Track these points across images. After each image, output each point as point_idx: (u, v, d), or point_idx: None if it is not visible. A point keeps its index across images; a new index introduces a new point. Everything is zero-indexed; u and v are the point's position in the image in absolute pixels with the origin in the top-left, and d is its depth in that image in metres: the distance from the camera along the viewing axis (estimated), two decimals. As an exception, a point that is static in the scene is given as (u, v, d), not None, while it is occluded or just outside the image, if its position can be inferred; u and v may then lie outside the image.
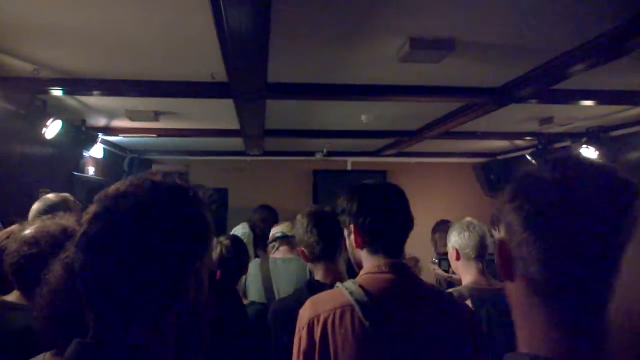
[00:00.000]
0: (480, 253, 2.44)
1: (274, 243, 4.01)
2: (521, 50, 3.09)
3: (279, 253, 3.94)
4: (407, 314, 1.48)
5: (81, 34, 2.80)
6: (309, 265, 2.36)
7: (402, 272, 1.58)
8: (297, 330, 1.57)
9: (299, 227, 2.23)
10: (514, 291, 0.78)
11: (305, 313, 1.57)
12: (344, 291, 1.52)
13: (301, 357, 1.52)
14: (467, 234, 2.46)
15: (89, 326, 0.85)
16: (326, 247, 2.15)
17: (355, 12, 2.52)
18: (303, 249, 2.22)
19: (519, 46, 3.02)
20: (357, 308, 1.46)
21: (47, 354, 0.87)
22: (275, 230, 4.03)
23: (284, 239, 3.91)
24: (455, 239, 2.50)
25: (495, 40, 2.93)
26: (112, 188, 0.92)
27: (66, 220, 1.88)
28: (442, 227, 4.52)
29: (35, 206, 3.04)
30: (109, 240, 0.83)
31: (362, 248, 1.66)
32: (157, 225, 0.84)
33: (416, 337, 1.46)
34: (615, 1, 2.36)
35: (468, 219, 2.57)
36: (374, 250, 1.63)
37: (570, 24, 2.64)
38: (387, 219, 1.61)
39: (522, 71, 3.54)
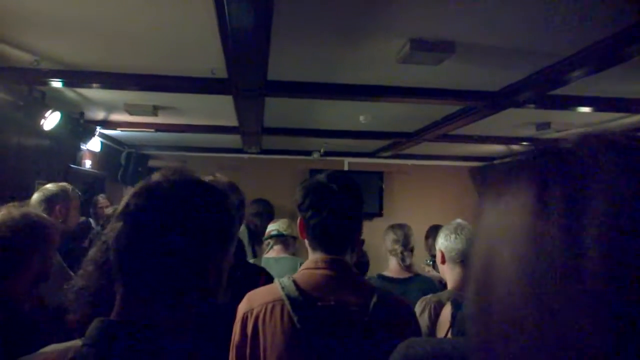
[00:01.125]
0: (466, 257, 2.33)
1: (269, 241, 4.00)
2: (520, 55, 3.11)
3: (272, 252, 3.93)
4: (337, 310, 1.46)
5: (82, 25, 2.80)
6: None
7: (339, 269, 1.55)
8: (234, 324, 1.56)
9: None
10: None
11: (241, 307, 1.56)
12: (278, 286, 1.52)
13: (234, 351, 1.51)
14: (453, 236, 2.39)
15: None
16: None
17: (357, 12, 2.53)
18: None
19: (519, 51, 3.03)
20: (286, 303, 1.46)
21: (75, 341, 0.89)
22: (272, 228, 4.02)
23: (279, 237, 3.89)
24: (442, 242, 2.43)
25: (495, 44, 2.95)
26: (159, 173, 1.00)
27: (33, 208, 1.89)
28: (434, 233, 4.55)
29: (35, 196, 3.06)
30: (146, 215, 0.91)
31: (306, 241, 1.64)
32: (189, 214, 0.93)
33: (344, 334, 1.43)
34: (615, 8, 2.38)
35: (458, 220, 2.50)
36: (314, 246, 1.61)
37: (570, 30, 2.65)
38: (327, 214, 1.55)
39: (520, 76, 3.56)
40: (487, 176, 0.65)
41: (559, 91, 3.69)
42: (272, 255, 3.88)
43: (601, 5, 2.35)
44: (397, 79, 3.73)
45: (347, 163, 8.56)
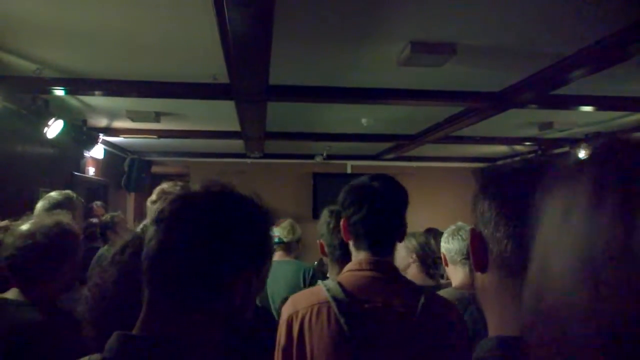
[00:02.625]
0: (467, 256, 2.41)
1: (270, 246, 4.00)
2: (521, 56, 3.11)
3: (275, 256, 3.94)
4: (384, 312, 1.45)
5: (84, 34, 2.82)
6: (324, 259, 2.31)
7: (384, 270, 1.55)
8: (278, 327, 1.56)
9: (323, 223, 2.18)
10: (486, 280, 0.79)
11: (285, 310, 1.56)
12: (323, 288, 1.51)
13: (280, 354, 1.50)
14: (451, 238, 2.47)
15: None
16: (346, 253, 2.11)
17: (357, 16, 2.54)
18: (323, 243, 2.17)
19: (520, 51, 3.03)
20: (333, 305, 1.45)
21: (95, 356, 0.88)
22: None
23: (281, 244, 3.91)
24: (443, 245, 2.52)
25: (495, 46, 2.95)
26: (199, 184, 0.99)
27: (63, 216, 1.90)
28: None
29: (40, 204, 3.06)
30: (179, 223, 0.89)
31: (349, 243, 1.64)
32: (223, 227, 0.90)
33: (391, 336, 1.43)
34: (616, 8, 2.38)
35: (459, 223, 2.55)
36: (357, 247, 1.60)
37: (571, 29, 2.65)
38: (372, 215, 1.55)
39: (522, 76, 3.56)
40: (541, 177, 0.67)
41: (560, 91, 3.69)
42: (274, 259, 3.89)
43: (601, 4, 2.34)
44: (398, 81, 3.74)
45: (350, 166, 8.57)
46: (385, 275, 1.54)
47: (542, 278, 0.54)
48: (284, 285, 3.17)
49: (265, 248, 0.98)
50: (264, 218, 0.99)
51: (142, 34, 2.82)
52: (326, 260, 2.21)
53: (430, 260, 3.23)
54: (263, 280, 1.00)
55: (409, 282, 1.62)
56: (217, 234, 0.89)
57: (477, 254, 0.79)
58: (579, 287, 0.49)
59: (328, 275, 2.20)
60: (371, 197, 1.57)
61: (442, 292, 2.45)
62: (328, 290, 1.49)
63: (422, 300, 1.48)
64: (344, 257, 2.01)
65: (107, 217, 4.35)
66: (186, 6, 2.41)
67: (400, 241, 1.65)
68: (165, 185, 2.28)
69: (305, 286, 3.15)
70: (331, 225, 2.08)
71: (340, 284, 1.51)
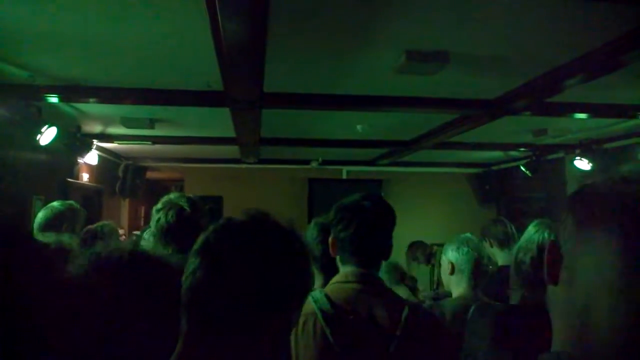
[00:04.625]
0: (474, 269, 2.43)
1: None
2: (516, 64, 3.11)
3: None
4: (369, 324, 1.48)
5: (78, 41, 2.80)
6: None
7: (370, 283, 1.58)
8: None
9: (309, 235, 2.22)
10: (558, 293, 0.78)
11: None
12: (310, 299, 1.53)
13: None
14: (464, 249, 2.46)
15: None
16: (330, 261, 2.15)
17: (352, 24, 2.54)
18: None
19: (514, 59, 3.04)
20: (319, 316, 1.47)
21: None
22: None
23: None
24: (452, 254, 2.50)
25: (489, 53, 2.95)
26: (243, 213, 0.95)
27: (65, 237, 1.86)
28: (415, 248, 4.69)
29: (42, 214, 2.99)
30: (226, 253, 0.87)
31: (337, 258, 1.68)
32: (272, 261, 0.88)
33: (376, 348, 1.45)
34: (610, 16, 2.39)
35: (468, 234, 2.57)
36: (344, 259, 1.64)
37: (565, 37, 2.66)
38: (360, 233, 1.60)
39: (516, 84, 3.57)
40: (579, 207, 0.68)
41: (554, 98, 3.70)
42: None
43: (596, 13, 2.35)
44: (393, 89, 3.74)
45: (345, 172, 8.56)
46: (370, 287, 1.57)
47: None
48: None
49: (301, 286, 0.95)
50: (305, 251, 0.97)
51: (136, 42, 2.81)
52: None
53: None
54: (294, 320, 0.98)
55: (394, 295, 1.65)
56: (266, 268, 0.86)
57: (553, 266, 0.77)
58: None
59: (315, 285, 2.22)
60: (360, 215, 1.62)
61: (444, 302, 2.46)
62: (315, 301, 1.52)
63: (406, 312, 1.50)
64: (328, 268, 2.05)
65: (97, 225, 4.28)
66: (180, 14, 2.41)
67: (386, 259, 1.69)
68: (172, 196, 2.27)
69: None
70: (314, 236, 2.12)
71: (327, 295, 1.54)
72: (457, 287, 2.49)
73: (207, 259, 0.87)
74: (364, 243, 1.61)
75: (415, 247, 4.70)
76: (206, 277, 0.86)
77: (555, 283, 0.76)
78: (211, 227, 0.93)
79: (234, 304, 0.84)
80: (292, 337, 1.48)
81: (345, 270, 1.62)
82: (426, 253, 4.72)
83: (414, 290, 3.87)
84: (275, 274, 0.87)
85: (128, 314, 0.94)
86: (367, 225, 1.61)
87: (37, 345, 0.85)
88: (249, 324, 0.85)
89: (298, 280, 0.92)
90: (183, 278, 0.88)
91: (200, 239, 0.91)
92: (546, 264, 0.77)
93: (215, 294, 0.85)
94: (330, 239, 1.68)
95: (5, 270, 0.88)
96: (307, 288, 0.97)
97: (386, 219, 1.67)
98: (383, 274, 3.16)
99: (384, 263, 3.20)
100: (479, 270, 2.45)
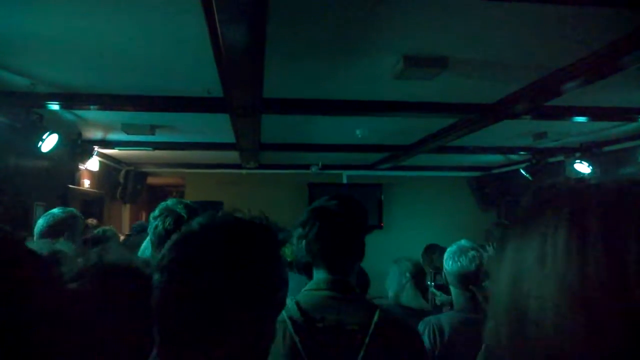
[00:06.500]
0: (472, 280, 2.33)
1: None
2: (515, 68, 3.12)
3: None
4: (338, 331, 1.46)
5: (78, 48, 2.82)
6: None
7: (341, 290, 1.55)
8: None
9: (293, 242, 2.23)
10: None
11: None
12: None
13: None
14: (459, 259, 2.38)
15: None
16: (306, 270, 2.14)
17: (350, 30, 2.55)
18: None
19: (513, 64, 3.05)
20: (288, 324, 1.46)
21: None
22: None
23: None
24: (448, 264, 2.43)
25: (488, 58, 2.96)
26: (197, 221, 0.93)
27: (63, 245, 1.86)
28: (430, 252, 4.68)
29: (42, 221, 2.96)
30: (184, 269, 0.86)
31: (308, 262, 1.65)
32: (232, 266, 0.87)
33: (345, 355, 1.44)
34: (609, 19, 2.40)
35: (463, 242, 2.48)
36: (317, 266, 1.62)
37: (564, 41, 2.67)
38: (325, 234, 1.57)
39: (515, 88, 3.58)
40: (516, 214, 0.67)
41: (554, 102, 3.71)
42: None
43: (594, 17, 2.36)
44: (392, 93, 3.75)
45: (345, 176, 8.57)
46: (341, 294, 1.55)
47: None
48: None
49: (276, 279, 0.93)
50: (273, 246, 0.95)
51: (136, 49, 2.83)
52: None
53: (424, 283, 3.15)
54: (272, 324, 0.97)
55: (365, 301, 1.63)
56: (226, 275, 0.85)
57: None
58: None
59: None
60: (323, 216, 1.60)
61: (442, 316, 2.42)
62: (286, 309, 1.48)
63: (375, 319, 1.48)
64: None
65: (99, 231, 4.32)
66: (179, 21, 2.42)
67: (359, 261, 1.66)
68: (169, 202, 2.28)
69: None
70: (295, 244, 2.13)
71: (297, 303, 1.53)
72: (455, 298, 2.44)
73: (170, 274, 0.87)
74: (330, 245, 1.58)
75: (431, 251, 4.72)
76: (171, 292, 0.85)
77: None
78: (171, 240, 0.92)
79: (200, 313, 0.84)
80: None
81: (317, 277, 1.60)
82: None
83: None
84: (239, 278, 0.86)
85: (111, 323, 0.95)
86: (332, 228, 1.58)
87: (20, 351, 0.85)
88: (219, 331, 0.85)
89: (265, 280, 0.91)
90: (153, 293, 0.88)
91: (162, 253, 0.90)
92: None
93: (182, 307, 0.85)
94: (302, 243, 1.65)
95: None
96: (277, 288, 0.94)
97: (353, 220, 1.63)
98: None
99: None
100: (478, 281, 2.31)
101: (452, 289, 2.44)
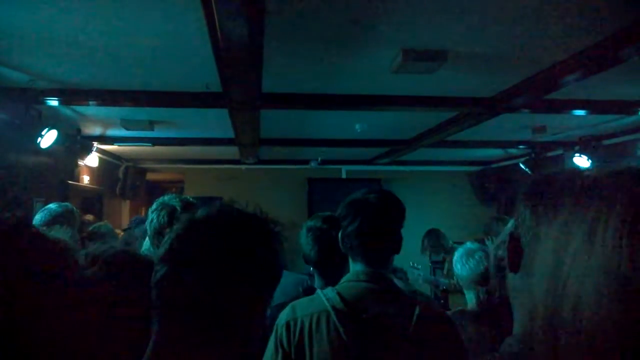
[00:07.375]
0: (479, 281, 2.39)
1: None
2: (514, 61, 3.12)
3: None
4: (382, 322, 1.49)
5: (77, 44, 2.81)
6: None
7: (380, 282, 1.58)
8: (274, 331, 1.58)
9: (302, 236, 2.24)
10: (517, 281, 0.79)
11: (284, 315, 1.60)
12: (322, 297, 1.55)
13: (279, 357, 1.53)
14: (466, 262, 2.44)
15: None
16: (327, 262, 2.15)
17: (349, 24, 2.55)
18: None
19: (511, 57, 3.04)
20: (332, 314, 1.49)
21: None
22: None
23: None
24: (458, 267, 2.49)
25: (487, 52, 2.96)
26: (203, 212, 0.94)
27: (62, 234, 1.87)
28: (432, 236, 4.71)
29: (39, 216, 2.99)
30: (188, 257, 0.87)
31: (347, 254, 1.68)
32: (235, 253, 0.87)
33: (389, 346, 1.47)
34: (607, 12, 2.40)
35: (468, 244, 2.53)
36: (354, 258, 1.64)
37: (563, 34, 2.67)
38: (365, 227, 1.60)
39: (514, 81, 3.57)
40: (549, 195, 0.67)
41: (553, 95, 3.71)
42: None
43: (592, 10, 2.36)
44: (392, 87, 3.74)
45: (344, 171, 8.58)
46: (381, 286, 1.58)
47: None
48: (284, 295, 3.16)
49: (274, 273, 0.94)
50: (273, 240, 0.95)
51: (135, 44, 2.82)
52: None
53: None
54: (263, 312, 0.98)
55: (403, 294, 1.65)
56: (229, 262, 0.86)
57: (513, 257, 0.78)
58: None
59: (315, 285, 2.24)
60: (365, 209, 1.62)
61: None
62: (327, 299, 1.53)
63: (417, 311, 1.51)
64: (325, 269, 2.08)
65: (94, 227, 4.30)
66: (178, 16, 2.42)
67: (397, 253, 1.68)
68: (166, 197, 2.32)
69: None
70: (305, 240, 2.15)
71: (339, 293, 1.55)
72: (468, 301, 2.48)
73: (171, 266, 0.87)
74: (371, 238, 1.61)
75: (433, 237, 4.81)
76: (173, 284, 0.86)
77: (514, 271, 0.77)
78: (173, 231, 0.92)
79: (201, 303, 0.84)
80: (306, 334, 1.50)
81: (355, 269, 1.62)
82: (444, 247, 4.83)
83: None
84: (239, 269, 0.87)
85: (122, 312, 0.96)
86: (372, 221, 1.60)
87: (30, 338, 0.86)
88: (218, 320, 0.86)
89: (265, 271, 0.92)
90: (152, 284, 0.88)
91: (163, 245, 0.91)
92: (507, 253, 0.78)
93: (182, 298, 0.85)
94: (340, 235, 1.68)
95: (12, 261, 0.88)
96: (276, 277, 0.95)
97: (392, 214, 1.65)
98: None
99: None
100: (485, 281, 2.39)
101: (465, 292, 2.48)
